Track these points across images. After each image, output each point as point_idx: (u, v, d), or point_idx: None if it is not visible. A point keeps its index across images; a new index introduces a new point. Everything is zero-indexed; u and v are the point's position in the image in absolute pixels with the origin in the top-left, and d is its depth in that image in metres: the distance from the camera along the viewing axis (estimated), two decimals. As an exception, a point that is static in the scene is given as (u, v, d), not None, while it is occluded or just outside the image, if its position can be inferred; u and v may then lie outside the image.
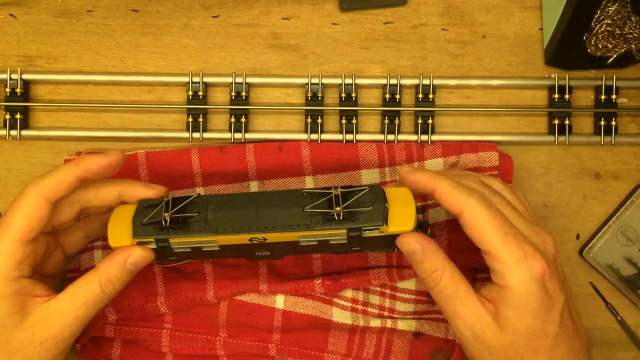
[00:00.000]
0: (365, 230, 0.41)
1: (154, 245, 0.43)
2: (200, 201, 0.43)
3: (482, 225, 0.41)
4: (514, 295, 0.40)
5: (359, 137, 0.52)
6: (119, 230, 0.43)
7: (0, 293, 0.41)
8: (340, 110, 0.52)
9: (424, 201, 0.51)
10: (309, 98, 0.52)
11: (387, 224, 0.41)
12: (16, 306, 0.41)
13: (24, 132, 0.51)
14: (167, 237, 0.42)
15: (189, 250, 0.43)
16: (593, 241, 0.52)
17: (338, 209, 0.41)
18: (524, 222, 0.43)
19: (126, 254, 0.43)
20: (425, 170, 0.44)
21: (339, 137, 0.52)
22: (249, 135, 0.52)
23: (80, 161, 0.43)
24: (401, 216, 0.42)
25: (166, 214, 0.42)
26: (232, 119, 0.52)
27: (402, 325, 0.50)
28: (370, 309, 0.51)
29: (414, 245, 0.42)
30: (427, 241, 0.42)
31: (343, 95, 0.52)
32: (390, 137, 0.52)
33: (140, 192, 0.44)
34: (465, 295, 0.42)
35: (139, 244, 0.43)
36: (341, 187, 0.42)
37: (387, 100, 0.52)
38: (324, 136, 0.52)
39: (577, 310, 0.44)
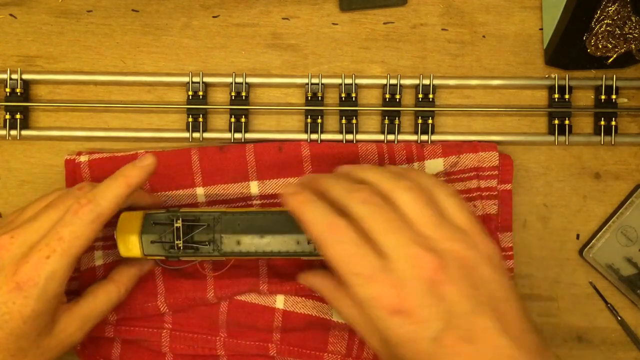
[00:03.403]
0: None
1: (163, 258, 0.47)
2: (207, 218, 0.46)
3: (325, 253, 0.40)
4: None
5: (359, 137, 0.52)
6: (129, 241, 0.46)
7: (48, 308, 0.41)
8: (340, 110, 0.52)
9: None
10: (309, 98, 0.52)
11: None
12: (53, 316, 0.42)
13: (24, 132, 0.51)
14: (177, 255, 0.46)
15: (195, 259, 0.48)
16: (593, 241, 0.52)
17: None
18: (397, 235, 0.39)
19: (140, 266, 0.49)
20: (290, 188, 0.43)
21: (339, 137, 0.52)
22: (249, 135, 0.52)
23: (127, 179, 0.43)
24: None
25: (179, 242, 0.45)
26: (232, 119, 0.52)
27: (402, 325, 0.50)
28: (370, 309, 0.51)
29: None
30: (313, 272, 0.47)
31: (343, 95, 0.52)
32: (390, 137, 0.52)
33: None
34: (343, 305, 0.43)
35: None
36: None
37: (387, 100, 0.52)
38: (324, 136, 0.52)
39: (506, 329, 0.37)
